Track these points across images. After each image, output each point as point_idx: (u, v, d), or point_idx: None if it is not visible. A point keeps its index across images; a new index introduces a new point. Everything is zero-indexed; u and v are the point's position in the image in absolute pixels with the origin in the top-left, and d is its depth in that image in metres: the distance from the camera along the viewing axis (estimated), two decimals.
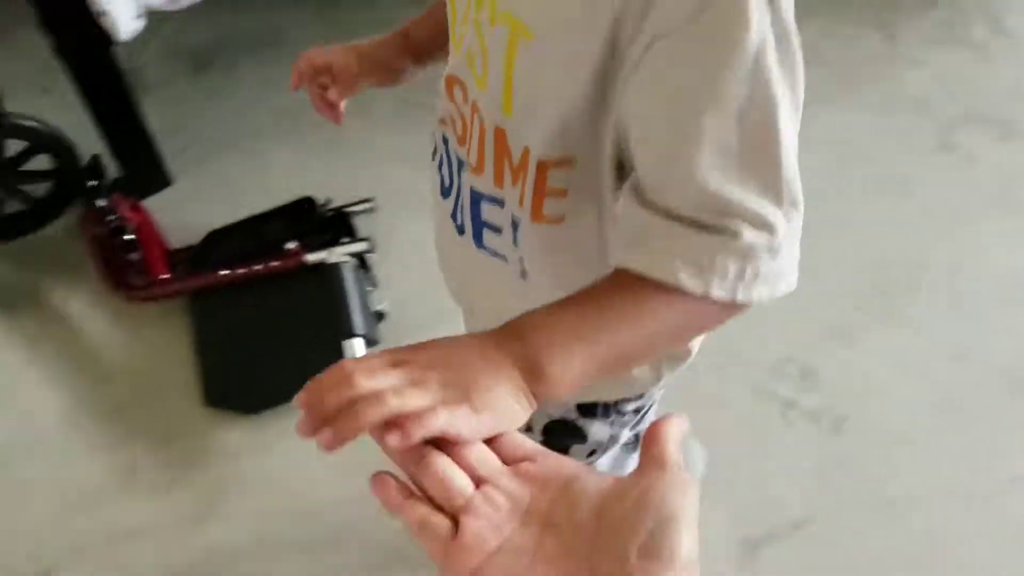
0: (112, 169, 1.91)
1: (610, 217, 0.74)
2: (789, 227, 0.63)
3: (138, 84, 1.96)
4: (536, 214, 0.75)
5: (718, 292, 0.61)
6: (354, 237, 1.78)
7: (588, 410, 1.00)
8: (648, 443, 0.51)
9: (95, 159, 1.84)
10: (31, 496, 1.62)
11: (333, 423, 0.50)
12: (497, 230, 0.81)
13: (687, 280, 0.60)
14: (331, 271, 1.70)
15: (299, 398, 0.52)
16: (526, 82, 0.69)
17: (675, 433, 0.52)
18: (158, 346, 1.78)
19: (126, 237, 1.75)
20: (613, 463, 1.11)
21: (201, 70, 2.22)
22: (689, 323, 0.67)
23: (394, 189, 1.86)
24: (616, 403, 0.99)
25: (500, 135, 0.73)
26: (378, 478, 0.51)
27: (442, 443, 0.52)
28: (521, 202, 0.75)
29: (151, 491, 1.62)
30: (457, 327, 1.02)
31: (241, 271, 1.74)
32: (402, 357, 0.55)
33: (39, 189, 1.92)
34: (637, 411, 1.02)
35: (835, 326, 1.78)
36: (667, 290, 0.61)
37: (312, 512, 1.56)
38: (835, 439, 1.63)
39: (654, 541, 0.46)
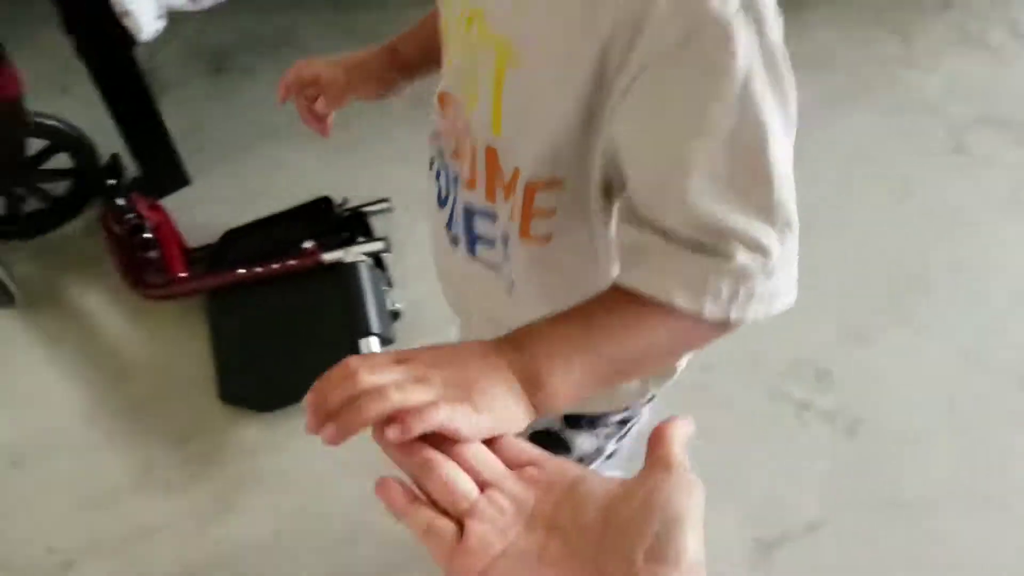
0: (131, 168, 1.92)
1: (599, 236, 0.75)
2: (783, 248, 0.63)
3: (156, 85, 1.97)
4: (524, 232, 0.76)
5: (711, 312, 0.62)
6: (370, 237, 1.79)
7: (573, 421, 1.00)
8: (654, 444, 0.51)
9: (114, 158, 1.85)
10: (50, 492, 1.64)
11: (336, 418, 0.51)
12: (490, 243, 0.81)
13: (681, 300, 0.61)
14: (347, 270, 1.71)
15: (307, 397, 0.54)
16: (514, 106, 0.69)
17: (680, 435, 0.52)
18: (176, 344, 1.79)
19: (144, 236, 1.76)
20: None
21: (219, 71, 2.24)
22: (683, 340, 0.68)
23: (410, 189, 1.85)
24: (602, 415, 1.00)
25: (491, 153, 0.74)
26: (382, 483, 0.51)
27: (444, 446, 0.52)
28: (511, 218, 0.76)
29: (168, 487, 1.63)
30: None
31: (258, 270, 1.75)
32: (406, 355, 0.56)
33: (59, 188, 1.93)
34: (622, 423, 1.02)
35: (850, 328, 1.78)
36: (662, 308, 0.62)
37: (328, 509, 1.57)
38: (849, 441, 1.63)
39: (660, 543, 0.46)
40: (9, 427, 1.72)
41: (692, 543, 0.47)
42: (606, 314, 0.63)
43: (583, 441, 1.01)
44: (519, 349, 0.59)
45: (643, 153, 0.63)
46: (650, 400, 1.01)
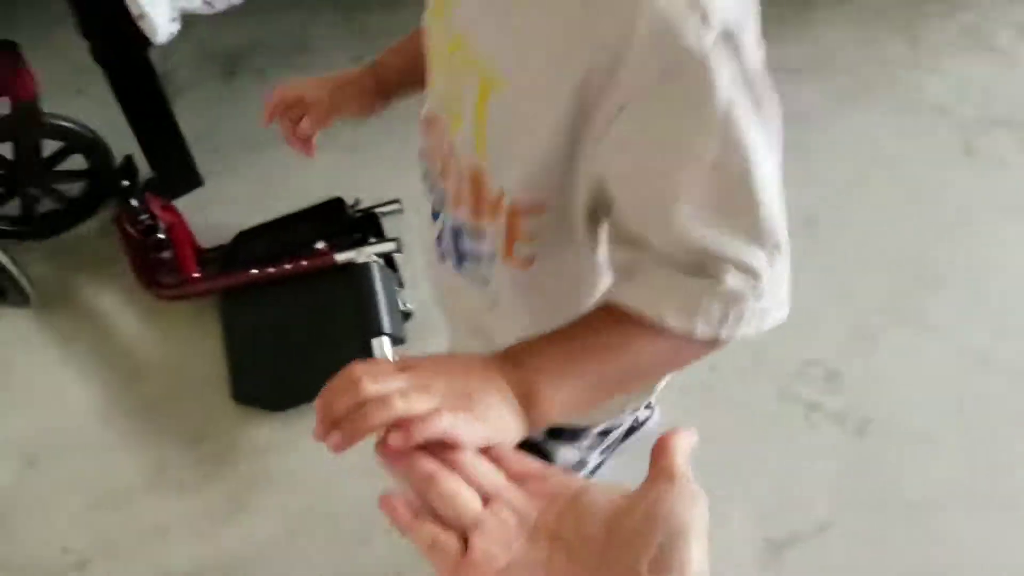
0: (144, 170, 1.94)
1: (583, 260, 0.76)
2: (773, 269, 0.64)
3: (170, 88, 1.98)
4: (507, 253, 0.77)
5: (702, 332, 0.64)
6: (382, 237, 1.80)
7: (555, 433, 1.01)
8: (656, 455, 0.51)
9: (128, 160, 1.86)
10: (64, 491, 1.65)
11: (341, 426, 0.53)
12: (476, 260, 0.82)
13: (672, 319, 0.63)
14: (359, 271, 1.72)
15: (316, 403, 0.55)
16: (498, 130, 0.70)
17: (684, 445, 0.52)
18: (189, 344, 1.80)
19: (158, 236, 1.78)
20: None
21: (231, 73, 2.25)
22: (673, 358, 0.70)
23: (422, 190, 1.87)
24: (584, 427, 1.01)
25: (476, 175, 0.74)
26: (386, 498, 0.52)
27: (447, 459, 0.52)
28: (496, 238, 0.77)
29: (181, 487, 1.64)
30: None
31: (271, 270, 1.76)
32: (409, 362, 0.57)
33: (73, 188, 1.95)
34: (603, 434, 1.03)
35: (859, 329, 1.78)
36: (653, 327, 0.63)
37: (340, 509, 1.58)
38: (859, 441, 1.63)
39: (664, 554, 0.46)
40: (24, 426, 1.73)
41: (696, 554, 0.47)
42: (599, 332, 0.65)
43: (565, 453, 1.02)
44: (518, 366, 0.61)
45: (630, 183, 0.64)
46: (631, 413, 1.02)
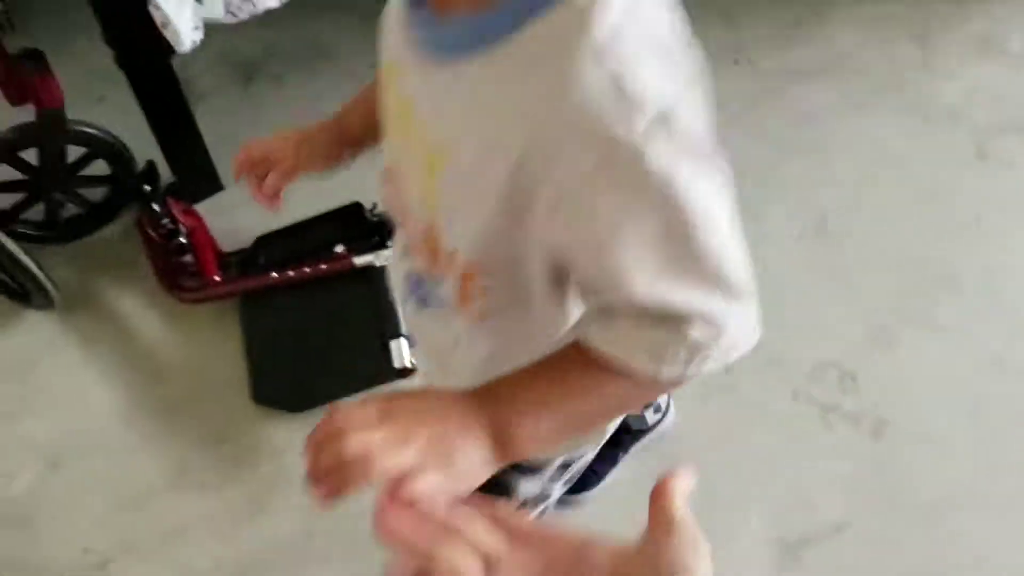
0: (165, 174, 1.96)
1: (538, 316, 0.77)
2: (736, 313, 0.66)
3: (191, 93, 2.01)
4: (462, 306, 0.78)
5: (668, 374, 0.66)
6: None
7: (516, 466, 1.02)
8: (655, 499, 0.51)
9: (150, 165, 1.89)
10: (87, 492, 1.67)
11: (326, 482, 0.55)
12: (437, 305, 0.83)
13: (639, 365, 0.65)
14: (378, 274, 1.74)
15: (305, 450, 0.57)
16: (446, 197, 0.71)
17: (682, 489, 0.51)
18: (210, 346, 1.82)
19: (180, 240, 1.80)
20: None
21: (250, 80, 2.28)
22: (640, 396, 0.73)
23: None
24: (545, 460, 1.02)
25: (431, 230, 0.75)
26: (389, 573, 0.53)
27: (445, 526, 0.52)
28: (451, 292, 0.78)
29: (202, 488, 1.66)
30: None
31: (290, 274, 1.79)
32: (390, 407, 0.59)
33: (96, 193, 1.97)
34: (564, 466, 1.04)
35: (873, 331, 1.79)
36: (621, 371, 0.66)
37: (359, 509, 1.58)
38: (874, 443, 1.64)
39: None
40: (47, 428, 1.75)
41: None
42: (570, 373, 0.67)
43: (526, 485, 1.02)
44: (493, 407, 0.63)
45: (580, 259, 0.65)
46: (594, 447, 1.04)
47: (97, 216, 1.99)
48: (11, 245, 1.72)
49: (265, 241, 1.87)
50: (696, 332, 0.64)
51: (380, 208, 0.84)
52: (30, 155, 1.84)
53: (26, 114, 1.72)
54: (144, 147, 1.91)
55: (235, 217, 1.92)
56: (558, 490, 1.08)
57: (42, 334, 1.87)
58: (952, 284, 1.85)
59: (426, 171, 0.71)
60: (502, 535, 0.52)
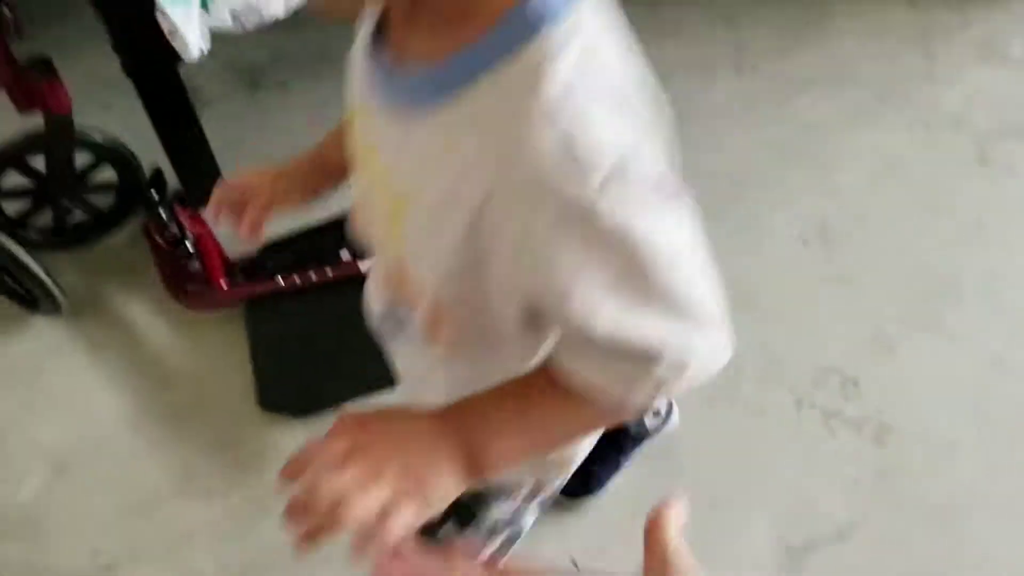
0: (172, 181, 1.97)
1: (508, 352, 0.77)
2: (704, 341, 0.67)
3: (197, 100, 2.02)
4: (432, 339, 0.79)
5: (635, 402, 0.67)
6: None
7: (487, 489, 1.03)
8: (650, 531, 0.51)
9: (157, 171, 1.90)
10: (94, 497, 1.68)
11: (303, 525, 0.58)
12: (413, 332, 0.84)
13: (605, 396, 0.66)
14: None
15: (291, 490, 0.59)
16: (411, 239, 0.71)
17: (675, 520, 0.51)
18: (217, 352, 1.83)
19: (186, 247, 1.81)
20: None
21: (256, 87, 2.29)
22: (607, 419, 0.73)
23: None
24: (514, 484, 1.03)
25: (400, 264, 0.75)
26: None
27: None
28: (422, 322, 0.78)
29: (209, 493, 1.67)
30: None
31: (297, 280, 1.80)
32: (359, 440, 0.61)
33: (103, 200, 1.99)
34: (535, 492, 1.05)
35: (875, 336, 1.80)
36: (592, 399, 0.67)
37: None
38: (878, 448, 1.65)
39: None
40: (54, 434, 1.76)
41: None
42: (539, 394, 0.69)
43: (499, 508, 1.03)
44: (464, 423, 0.66)
45: (546, 305, 0.65)
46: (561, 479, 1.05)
47: (104, 223, 2.00)
48: (19, 251, 1.74)
49: (271, 248, 1.87)
50: (662, 369, 0.65)
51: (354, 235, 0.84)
52: (38, 162, 1.85)
53: (34, 121, 1.73)
54: (151, 154, 1.92)
55: None
56: (530, 515, 1.08)
57: (49, 340, 1.88)
58: (954, 289, 1.86)
59: (391, 214, 0.71)
60: None
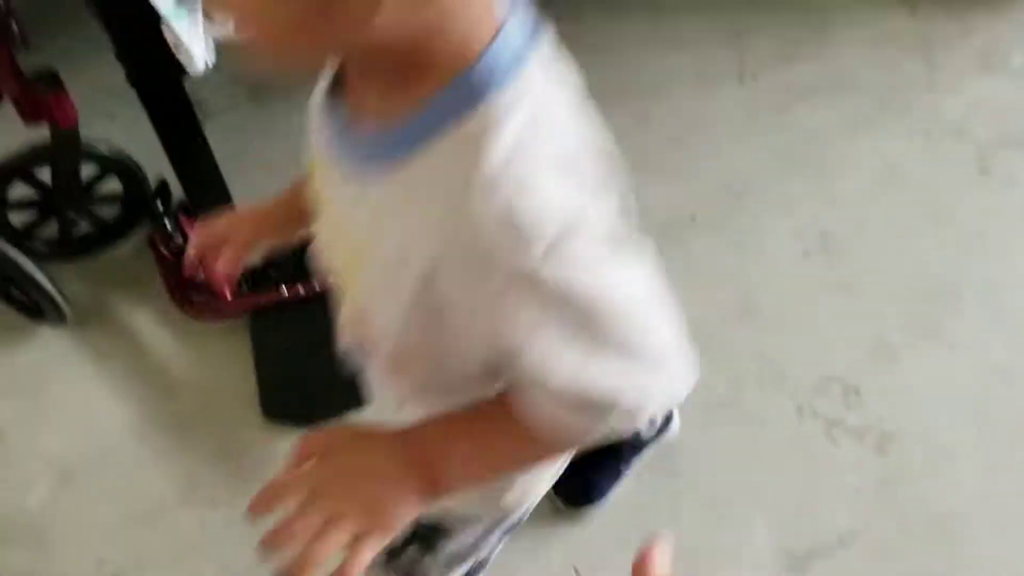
0: (177, 192, 1.97)
1: (474, 391, 0.77)
2: (661, 386, 0.67)
3: (201, 110, 2.03)
4: (397, 380, 0.81)
5: (589, 442, 0.69)
6: None
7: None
8: (637, 571, 0.52)
9: (163, 183, 1.91)
10: (99, 505, 1.68)
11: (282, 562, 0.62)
12: (379, 371, 0.86)
13: (568, 427, 0.67)
14: None
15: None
16: (366, 294, 0.72)
17: (663, 556, 0.51)
18: (222, 362, 1.84)
19: None
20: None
21: (259, 98, 2.30)
22: (568, 445, 0.75)
23: None
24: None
25: (359, 309, 0.76)
26: None
27: None
28: (383, 366, 0.80)
29: (214, 503, 1.67)
30: None
31: (301, 290, 1.81)
32: (323, 476, 0.66)
33: (109, 211, 2.00)
34: (500, 519, 1.05)
35: (877, 345, 1.80)
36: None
37: None
38: (879, 456, 1.65)
39: None
40: (59, 443, 1.77)
41: None
42: (498, 421, 0.70)
43: (465, 533, 1.04)
44: (422, 454, 0.68)
45: (504, 362, 0.66)
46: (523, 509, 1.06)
47: (110, 234, 2.01)
48: (25, 262, 1.74)
49: (275, 258, 1.88)
50: (615, 419, 0.66)
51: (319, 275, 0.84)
52: (44, 174, 1.86)
53: (40, 133, 1.74)
54: (156, 165, 1.92)
55: None
56: (494, 542, 1.09)
57: (55, 350, 1.89)
58: (955, 298, 1.86)
59: (350, 264, 0.73)
60: None
